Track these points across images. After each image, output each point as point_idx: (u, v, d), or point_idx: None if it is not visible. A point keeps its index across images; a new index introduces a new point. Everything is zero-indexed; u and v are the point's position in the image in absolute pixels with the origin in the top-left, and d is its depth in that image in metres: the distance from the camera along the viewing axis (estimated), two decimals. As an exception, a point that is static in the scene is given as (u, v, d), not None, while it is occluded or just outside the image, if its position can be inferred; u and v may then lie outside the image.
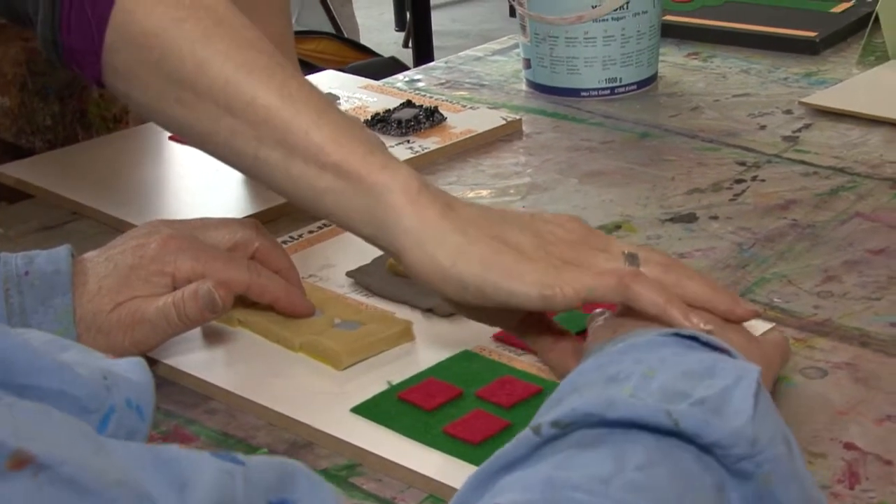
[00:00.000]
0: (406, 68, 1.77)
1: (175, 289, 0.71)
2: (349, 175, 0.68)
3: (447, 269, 0.65)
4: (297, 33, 2.34)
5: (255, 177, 0.73)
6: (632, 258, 0.65)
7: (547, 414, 0.52)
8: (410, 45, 3.12)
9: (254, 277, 0.73)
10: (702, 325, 0.61)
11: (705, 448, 0.50)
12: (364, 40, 3.09)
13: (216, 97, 0.70)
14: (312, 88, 0.72)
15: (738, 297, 0.66)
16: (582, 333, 0.70)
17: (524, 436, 0.50)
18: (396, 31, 4.11)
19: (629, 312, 0.64)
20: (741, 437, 0.50)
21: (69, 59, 0.75)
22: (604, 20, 1.12)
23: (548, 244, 0.66)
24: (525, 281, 0.63)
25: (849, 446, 0.64)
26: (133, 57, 0.73)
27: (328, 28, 3.18)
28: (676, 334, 0.59)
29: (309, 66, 1.68)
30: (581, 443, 0.50)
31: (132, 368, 0.46)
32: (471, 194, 0.97)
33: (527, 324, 0.69)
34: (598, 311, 0.68)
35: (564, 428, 0.50)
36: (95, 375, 0.43)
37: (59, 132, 1.09)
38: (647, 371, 0.54)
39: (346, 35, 2.96)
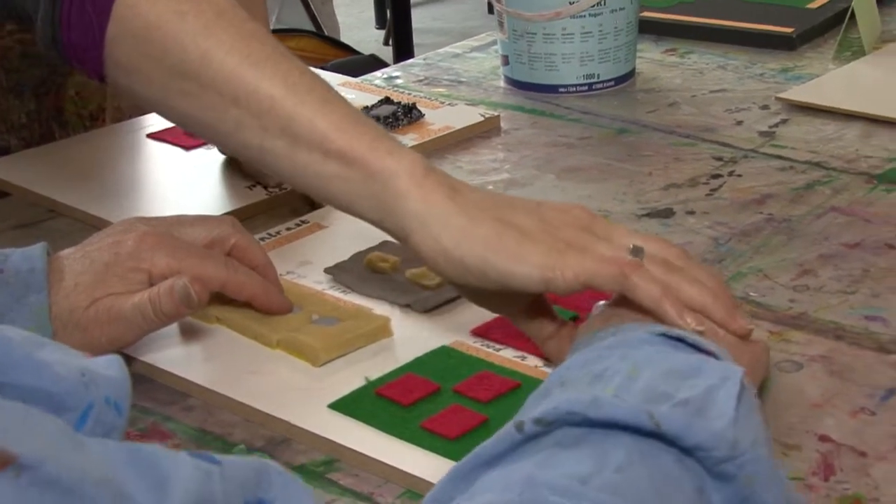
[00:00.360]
0: (386, 66, 1.77)
1: (151, 285, 0.71)
2: (355, 161, 0.68)
3: (451, 250, 0.65)
4: (278, 31, 2.34)
5: (262, 165, 0.73)
6: (637, 251, 0.65)
7: (532, 409, 0.51)
8: (391, 42, 3.12)
9: (231, 274, 0.73)
10: (693, 325, 0.61)
11: (687, 450, 0.50)
12: (344, 38, 3.09)
13: (220, 88, 0.71)
14: (315, 77, 0.72)
15: (737, 311, 0.64)
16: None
17: (506, 432, 0.50)
18: (377, 28, 4.10)
19: (623, 303, 0.64)
20: (722, 439, 0.50)
21: (70, 56, 0.76)
22: (581, 16, 1.13)
23: (552, 228, 0.66)
24: (527, 262, 0.64)
25: (823, 438, 0.64)
26: (136, 50, 0.73)
27: (308, 26, 3.18)
28: (664, 334, 0.59)
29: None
30: (563, 442, 0.50)
31: (109, 365, 0.46)
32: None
33: (529, 312, 0.69)
34: (601, 302, 0.68)
35: (547, 426, 0.50)
36: (73, 373, 0.43)
37: (35, 130, 1.09)
38: (631, 370, 0.54)
39: (326, 33, 2.95)
